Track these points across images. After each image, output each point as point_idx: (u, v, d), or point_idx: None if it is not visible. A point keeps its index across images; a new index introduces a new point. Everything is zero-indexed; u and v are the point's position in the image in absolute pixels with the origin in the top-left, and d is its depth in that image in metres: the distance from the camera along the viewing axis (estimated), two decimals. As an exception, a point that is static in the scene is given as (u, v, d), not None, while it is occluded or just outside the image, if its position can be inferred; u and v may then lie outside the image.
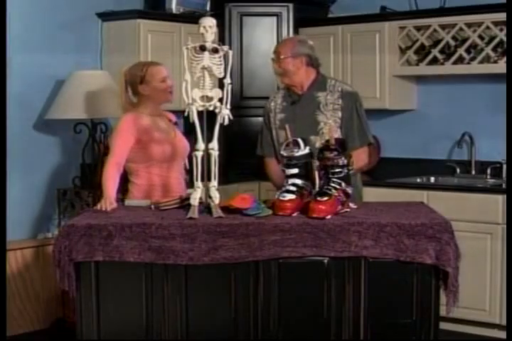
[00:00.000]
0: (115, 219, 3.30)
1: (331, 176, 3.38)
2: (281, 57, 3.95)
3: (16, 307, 4.86)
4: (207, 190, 3.39)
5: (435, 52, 5.31)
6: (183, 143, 4.02)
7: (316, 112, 3.97)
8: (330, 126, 3.76)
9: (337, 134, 3.82)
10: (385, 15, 5.54)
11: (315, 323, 3.22)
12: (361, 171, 4.19)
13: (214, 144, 3.40)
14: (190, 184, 3.67)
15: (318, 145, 3.73)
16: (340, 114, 3.96)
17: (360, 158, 3.95)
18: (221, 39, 5.47)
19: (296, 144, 3.42)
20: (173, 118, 4.12)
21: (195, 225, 3.20)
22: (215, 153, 3.40)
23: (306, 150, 3.40)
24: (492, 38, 5.11)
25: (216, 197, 3.36)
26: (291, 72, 3.97)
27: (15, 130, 4.86)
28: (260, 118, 4.27)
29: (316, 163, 3.42)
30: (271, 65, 4.07)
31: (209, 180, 3.39)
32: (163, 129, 4.00)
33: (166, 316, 3.22)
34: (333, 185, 3.36)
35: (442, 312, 3.24)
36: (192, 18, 5.13)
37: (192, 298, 3.21)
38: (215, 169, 3.40)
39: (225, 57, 3.42)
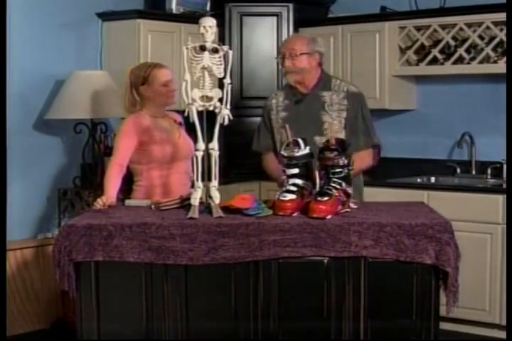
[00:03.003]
0: (115, 219, 3.30)
1: (331, 176, 3.38)
2: (298, 53, 3.86)
3: (16, 307, 4.86)
4: (207, 189, 3.39)
5: (435, 52, 5.31)
6: (187, 143, 3.99)
7: (320, 112, 3.92)
8: (331, 127, 3.74)
9: (342, 135, 3.80)
10: (385, 15, 5.54)
11: (315, 323, 3.22)
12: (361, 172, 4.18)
13: (214, 144, 3.40)
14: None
15: None
16: (345, 114, 3.92)
17: (364, 159, 3.93)
18: (221, 39, 5.47)
19: (296, 144, 3.42)
20: (179, 118, 4.10)
21: (195, 225, 3.20)
22: (215, 153, 3.40)
23: (307, 150, 3.40)
24: (492, 38, 5.11)
25: (216, 197, 3.36)
26: (305, 69, 3.89)
27: (15, 130, 4.87)
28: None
29: (316, 163, 3.42)
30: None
31: (209, 180, 3.40)
32: (165, 130, 4.00)
33: (166, 316, 3.22)
34: (333, 185, 3.36)
35: (442, 312, 3.23)
36: (192, 18, 5.13)
37: (192, 298, 3.21)
38: (215, 169, 3.39)
39: (225, 57, 3.42)
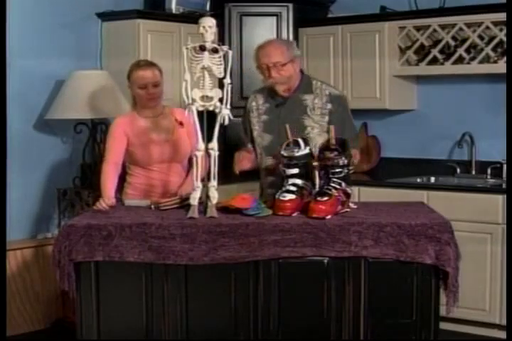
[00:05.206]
0: (115, 219, 3.30)
1: (331, 176, 3.38)
2: (282, 63, 3.70)
3: (16, 307, 4.86)
4: (206, 189, 3.39)
5: (435, 52, 5.31)
6: (185, 142, 3.98)
7: (302, 116, 3.80)
8: (331, 128, 3.68)
9: (322, 139, 3.64)
10: (385, 15, 5.54)
11: (315, 323, 3.22)
12: None
13: (214, 144, 3.40)
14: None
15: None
16: (327, 118, 3.78)
17: (356, 157, 3.82)
18: (221, 39, 5.46)
19: (296, 144, 3.42)
20: (180, 116, 3.95)
21: (195, 225, 3.20)
22: (214, 153, 3.40)
23: (306, 150, 3.40)
24: (492, 38, 5.11)
25: (214, 197, 3.35)
26: (292, 77, 3.77)
27: (15, 130, 4.86)
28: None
29: (316, 163, 3.42)
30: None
31: (208, 180, 3.39)
32: (163, 130, 3.98)
33: (166, 316, 3.22)
34: (333, 185, 3.37)
35: (442, 312, 3.24)
36: (192, 18, 5.12)
37: (192, 298, 3.21)
38: (214, 169, 3.40)
39: (225, 57, 3.43)
